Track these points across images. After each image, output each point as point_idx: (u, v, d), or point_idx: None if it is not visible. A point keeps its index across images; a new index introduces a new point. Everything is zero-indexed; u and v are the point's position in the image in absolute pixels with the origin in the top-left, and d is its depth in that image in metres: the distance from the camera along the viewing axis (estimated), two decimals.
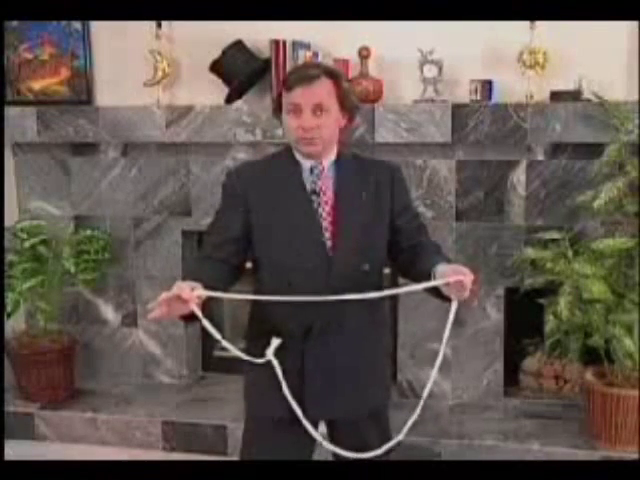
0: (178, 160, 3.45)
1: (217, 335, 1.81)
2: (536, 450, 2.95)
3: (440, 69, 3.11)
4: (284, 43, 3.21)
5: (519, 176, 3.17)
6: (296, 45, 3.22)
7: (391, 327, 3.20)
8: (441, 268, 1.82)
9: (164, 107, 3.35)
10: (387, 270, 2.17)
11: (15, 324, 3.57)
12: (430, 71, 3.11)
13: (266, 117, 3.17)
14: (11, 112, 3.44)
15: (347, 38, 3.19)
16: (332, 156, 1.98)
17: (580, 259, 2.88)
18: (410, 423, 1.87)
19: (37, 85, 3.57)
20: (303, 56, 3.20)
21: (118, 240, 3.56)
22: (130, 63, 3.44)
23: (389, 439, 1.98)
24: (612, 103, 2.91)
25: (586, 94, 3.01)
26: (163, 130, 3.34)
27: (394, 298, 3.27)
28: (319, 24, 3.17)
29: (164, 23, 3.36)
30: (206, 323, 1.78)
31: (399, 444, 1.97)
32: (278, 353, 1.90)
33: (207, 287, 1.77)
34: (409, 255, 1.99)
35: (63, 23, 3.47)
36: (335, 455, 1.98)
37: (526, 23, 3.02)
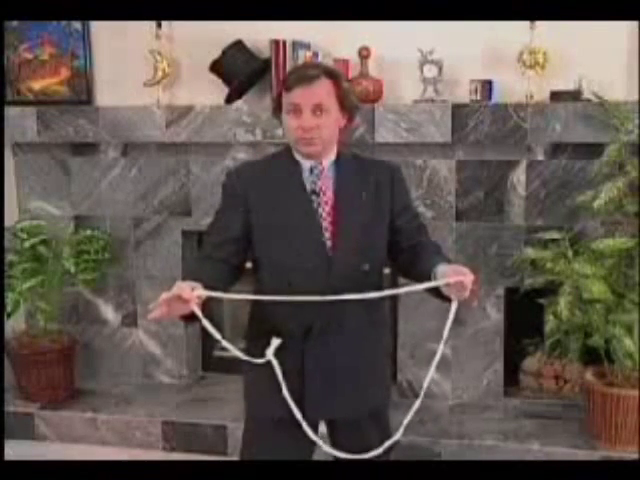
0: (178, 160, 3.45)
1: (217, 335, 1.81)
2: (536, 450, 2.95)
3: (440, 69, 3.11)
4: (284, 43, 3.21)
5: (519, 176, 3.17)
6: (296, 45, 3.22)
7: (391, 327, 3.20)
8: (441, 268, 1.82)
9: (164, 107, 3.35)
10: (387, 270, 2.17)
11: (15, 324, 3.57)
12: (430, 71, 3.11)
13: (266, 117, 3.17)
14: (11, 112, 3.44)
15: (347, 38, 3.19)
16: (332, 156, 1.98)
17: (580, 259, 2.88)
18: (407, 420, 1.88)
19: (37, 85, 3.57)
20: (303, 56, 3.20)
21: (118, 240, 3.56)
22: (130, 63, 3.44)
23: (389, 439, 1.98)
24: (612, 103, 2.91)
25: (586, 94, 3.01)
26: (163, 130, 3.34)
27: (394, 298, 3.27)
28: (319, 24, 3.17)
29: (164, 23, 3.36)
30: (206, 323, 1.78)
31: (397, 443, 1.98)
32: (278, 353, 1.90)
33: (207, 287, 1.77)
34: (409, 255, 1.99)
35: (63, 23, 3.47)
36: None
37: (526, 23, 3.02)
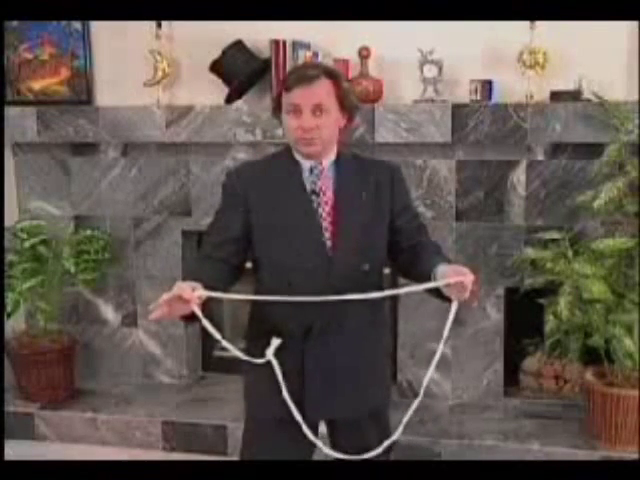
0: (178, 160, 3.45)
1: (217, 335, 1.82)
2: (536, 450, 2.95)
3: (440, 69, 3.11)
4: (284, 43, 3.21)
5: (519, 176, 3.17)
6: (296, 45, 3.22)
7: (391, 327, 3.20)
8: (442, 269, 1.82)
9: (164, 107, 3.35)
10: (387, 270, 2.17)
11: (15, 324, 3.57)
12: (430, 71, 3.11)
13: (266, 117, 3.16)
14: (11, 112, 3.44)
15: (347, 38, 3.19)
16: (332, 156, 1.98)
17: (580, 259, 2.88)
18: (406, 419, 1.88)
19: (37, 85, 3.57)
20: (303, 56, 3.20)
21: (118, 240, 3.56)
22: (130, 63, 3.44)
23: (389, 439, 1.98)
24: (612, 103, 2.91)
25: (586, 94, 3.01)
26: (163, 130, 3.34)
27: (394, 298, 3.27)
28: (319, 24, 3.16)
29: (164, 23, 3.36)
30: (206, 323, 1.78)
31: (397, 443, 1.98)
32: (278, 353, 1.90)
33: (207, 287, 1.78)
34: (409, 255, 1.99)
35: (63, 23, 3.47)
36: None
37: (526, 23, 3.02)
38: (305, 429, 1.90)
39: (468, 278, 1.74)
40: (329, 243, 1.93)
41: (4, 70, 3.53)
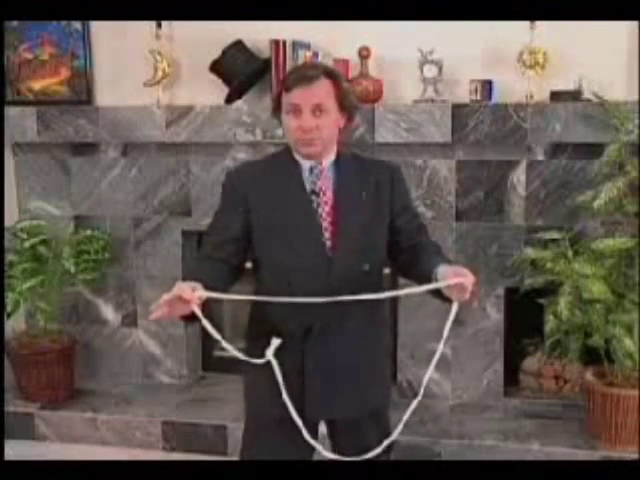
0: (178, 160, 3.45)
1: (217, 335, 1.81)
2: (536, 450, 2.95)
3: (440, 69, 3.11)
4: (284, 43, 3.21)
5: (519, 176, 3.17)
6: (296, 45, 3.21)
7: (391, 327, 3.20)
8: (442, 269, 1.81)
9: (164, 107, 3.35)
10: (387, 270, 2.16)
11: (15, 324, 3.57)
12: (430, 71, 3.11)
13: (266, 117, 3.16)
14: (11, 112, 3.44)
15: (347, 38, 3.19)
16: (332, 156, 1.98)
17: (580, 259, 2.88)
18: (406, 417, 1.88)
19: (37, 85, 3.57)
20: (303, 56, 3.20)
21: (118, 240, 3.56)
22: (130, 63, 3.44)
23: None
24: (612, 103, 2.91)
25: (586, 94, 3.01)
26: (163, 130, 3.34)
27: (394, 298, 3.27)
28: (319, 24, 3.16)
29: (164, 23, 3.36)
30: (206, 323, 1.78)
31: (397, 443, 1.98)
32: (278, 353, 1.90)
33: (207, 287, 1.78)
34: (409, 255, 1.99)
35: (63, 23, 3.47)
36: (335, 454, 1.99)
37: (526, 23, 3.02)
38: (305, 433, 1.90)
39: (468, 279, 1.74)
40: (329, 243, 1.93)
41: (4, 70, 3.53)
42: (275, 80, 3.22)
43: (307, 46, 3.24)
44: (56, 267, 3.39)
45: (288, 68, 3.13)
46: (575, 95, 3.02)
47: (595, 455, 2.89)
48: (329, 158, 1.97)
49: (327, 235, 1.93)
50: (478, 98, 3.10)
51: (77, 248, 3.42)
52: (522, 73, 3.06)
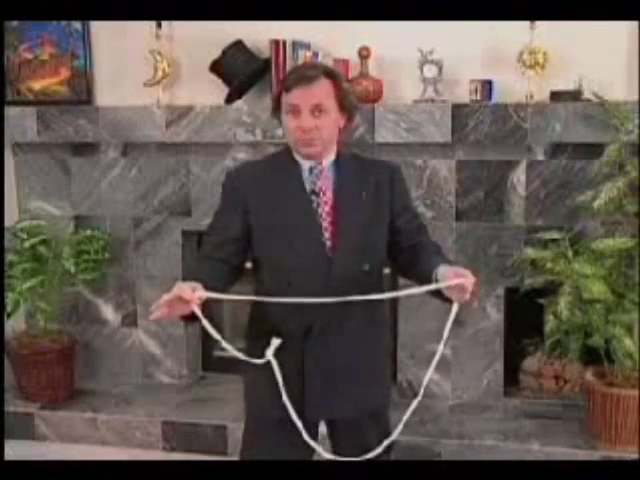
0: (178, 160, 3.45)
1: (217, 336, 1.81)
2: (536, 450, 2.95)
3: (440, 69, 3.11)
4: (284, 43, 3.21)
5: (519, 176, 3.17)
6: (296, 45, 3.21)
7: (391, 327, 3.20)
8: (442, 270, 1.81)
9: (164, 107, 3.35)
10: (387, 270, 2.16)
11: (15, 324, 3.57)
12: (430, 71, 3.11)
13: (266, 117, 3.16)
14: (11, 112, 3.44)
15: (347, 38, 3.19)
16: (332, 156, 1.98)
17: (580, 259, 2.88)
18: (406, 417, 1.88)
19: (37, 85, 3.57)
20: (303, 56, 3.20)
21: (118, 240, 3.56)
22: (130, 63, 3.44)
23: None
24: (612, 103, 2.91)
25: (586, 94, 3.01)
26: (163, 130, 3.34)
27: (394, 299, 3.27)
28: (319, 24, 3.16)
29: (164, 23, 3.36)
30: (206, 324, 1.78)
31: (397, 443, 1.98)
32: (278, 353, 1.90)
33: (207, 287, 1.78)
34: (409, 255, 1.99)
35: (63, 23, 3.47)
36: (335, 454, 1.99)
37: (526, 23, 3.02)
38: (304, 435, 1.90)
39: (469, 280, 1.74)
40: (329, 243, 1.93)
41: (4, 70, 3.53)
42: (275, 80, 3.22)
43: (307, 46, 3.24)
44: (56, 267, 3.39)
45: (288, 68, 3.13)
46: (575, 95, 3.02)
47: (595, 455, 2.89)
48: (329, 158, 1.97)
49: (327, 235, 1.93)
50: (478, 98, 3.10)
51: (77, 248, 3.42)
52: (522, 73, 3.06)
